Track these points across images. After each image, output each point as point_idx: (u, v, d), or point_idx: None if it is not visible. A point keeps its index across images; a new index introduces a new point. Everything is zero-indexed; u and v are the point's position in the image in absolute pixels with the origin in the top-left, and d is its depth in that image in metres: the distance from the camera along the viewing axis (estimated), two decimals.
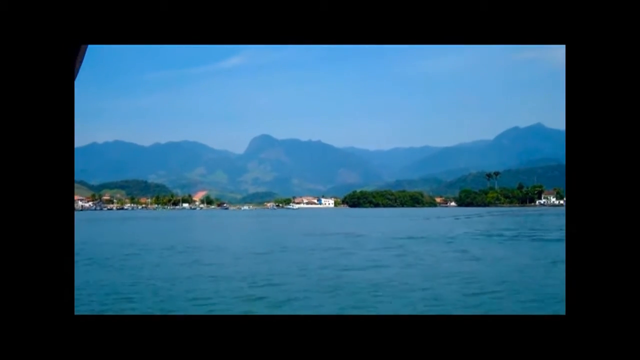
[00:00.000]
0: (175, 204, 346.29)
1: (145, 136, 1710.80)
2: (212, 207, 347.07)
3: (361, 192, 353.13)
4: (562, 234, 56.78)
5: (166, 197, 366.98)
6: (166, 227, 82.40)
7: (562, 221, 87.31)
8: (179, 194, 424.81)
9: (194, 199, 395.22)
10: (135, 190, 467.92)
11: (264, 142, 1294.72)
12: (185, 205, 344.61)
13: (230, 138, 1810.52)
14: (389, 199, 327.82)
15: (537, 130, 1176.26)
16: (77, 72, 3.03)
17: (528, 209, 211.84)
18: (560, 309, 16.69)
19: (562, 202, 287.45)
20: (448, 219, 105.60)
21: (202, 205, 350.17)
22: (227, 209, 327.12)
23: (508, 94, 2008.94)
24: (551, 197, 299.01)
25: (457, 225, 75.69)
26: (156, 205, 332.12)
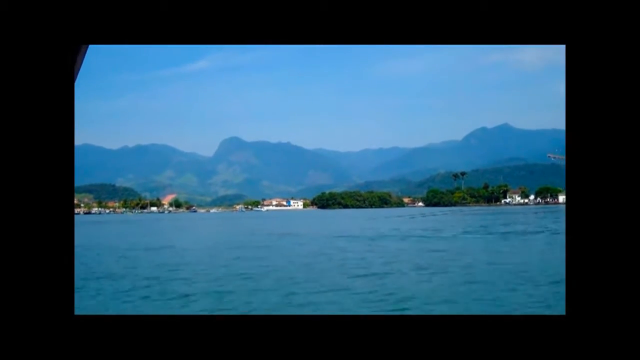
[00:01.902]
0: (144, 207, 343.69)
1: (113, 139, 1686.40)
2: (181, 210, 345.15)
3: (330, 193, 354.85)
4: (481, 230, 60.32)
5: (134, 201, 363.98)
6: (121, 231, 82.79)
7: (502, 219, 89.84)
8: (148, 197, 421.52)
9: (163, 202, 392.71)
10: (103, 194, 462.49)
11: (233, 145, 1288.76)
12: (154, 208, 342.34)
13: (200, 141, 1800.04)
14: (357, 200, 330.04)
15: (504, 130, 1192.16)
16: (78, 72, 2.95)
17: (483, 208, 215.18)
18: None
19: (526, 200, 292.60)
20: (395, 218, 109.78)
21: (170, 209, 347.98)
22: (195, 211, 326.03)
23: (475, 95, 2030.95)
24: (516, 196, 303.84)
25: (394, 225, 79.15)
26: (124, 209, 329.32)
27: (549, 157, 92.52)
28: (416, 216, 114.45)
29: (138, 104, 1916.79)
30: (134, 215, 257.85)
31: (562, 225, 66.43)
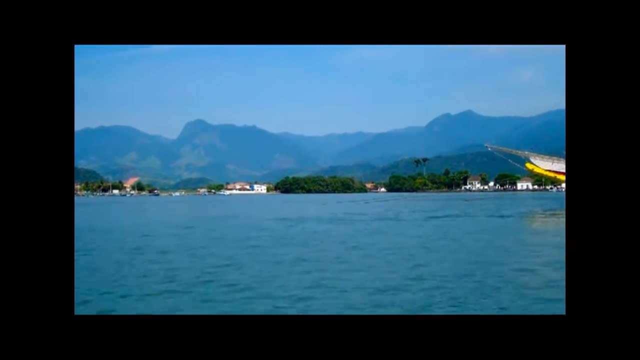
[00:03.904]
0: (105, 190, 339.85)
1: (75, 121, 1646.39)
2: (144, 193, 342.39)
3: (293, 178, 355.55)
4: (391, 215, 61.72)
5: (96, 184, 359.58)
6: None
7: (431, 205, 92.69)
8: (110, 180, 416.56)
9: (125, 185, 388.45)
10: None
11: (198, 127, 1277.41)
12: (116, 191, 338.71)
13: (164, 123, 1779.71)
14: (320, 184, 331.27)
15: (468, 117, 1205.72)
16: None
17: (434, 194, 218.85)
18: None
19: (486, 187, 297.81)
20: (346, 203, 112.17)
21: (132, 192, 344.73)
22: (157, 195, 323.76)
23: (439, 81, 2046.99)
24: (476, 183, 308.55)
25: (329, 209, 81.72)
26: (85, 192, 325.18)
27: (486, 147, 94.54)
28: (358, 202, 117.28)
29: (100, 84, 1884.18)
30: (95, 198, 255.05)
31: (487, 210, 69.33)
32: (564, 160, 76.54)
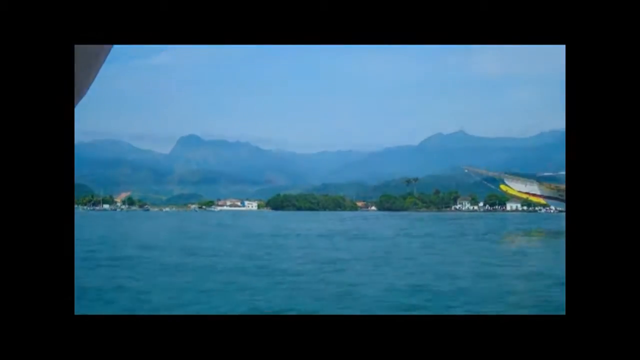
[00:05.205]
0: (95, 204, 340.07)
1: None
2: (134, 208, 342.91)
3: (284, 195, 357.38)
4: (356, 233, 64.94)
5: (86, 198, 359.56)
6: None
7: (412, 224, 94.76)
8: (102, 194, 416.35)
9: (116, 199, 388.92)
10: None
11: (191, 143, 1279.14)
12: (106, 206, 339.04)
13: (157, 137, 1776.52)
14: (311, 202, 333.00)
15: (460, 137, 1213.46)
16: (98, 71, 2.38)
17: (416, 214, 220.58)
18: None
19: (475, 207, 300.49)
20: (330, 221, 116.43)
21: (123, 207, 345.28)
22: (148, 210, 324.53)
23: (432, 100, 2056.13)
24: (466, 203, 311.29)
25: (315, 226, 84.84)
26: (75, 206, 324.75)
27: (464, 170, 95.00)
28: (333, 220, 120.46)
29: (94, 97, 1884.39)
30: (85, 212, 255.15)
31: (447, 229, 73.41)
32: (537, 183, 79.23)
